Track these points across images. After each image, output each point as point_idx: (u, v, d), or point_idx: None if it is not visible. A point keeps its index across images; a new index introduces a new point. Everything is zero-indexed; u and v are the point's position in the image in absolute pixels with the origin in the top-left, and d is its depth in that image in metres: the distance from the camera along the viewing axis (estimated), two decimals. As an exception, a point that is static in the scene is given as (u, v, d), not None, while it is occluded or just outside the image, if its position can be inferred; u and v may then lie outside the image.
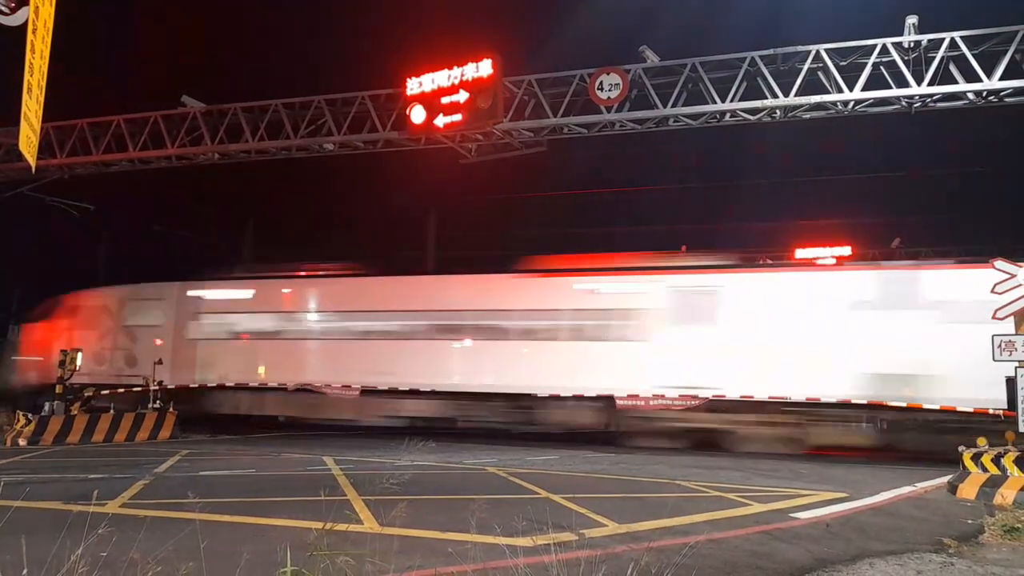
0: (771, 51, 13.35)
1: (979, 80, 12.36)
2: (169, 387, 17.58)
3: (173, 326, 19.41)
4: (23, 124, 8.46)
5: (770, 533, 6.95)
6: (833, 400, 13.97)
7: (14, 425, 14.65)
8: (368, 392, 17.29)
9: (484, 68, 13.86)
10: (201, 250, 29.23)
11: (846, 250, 22.88)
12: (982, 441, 9.78)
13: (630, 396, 15.26)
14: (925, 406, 13.38)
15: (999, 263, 10.03)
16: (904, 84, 12.80)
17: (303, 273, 19.49)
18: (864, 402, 13.83)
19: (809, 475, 11.39)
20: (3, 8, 6.59)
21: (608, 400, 15.47)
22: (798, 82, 13.26)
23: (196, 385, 18.76)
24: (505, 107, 14.38)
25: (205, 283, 19.90)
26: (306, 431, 18.22)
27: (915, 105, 13.13)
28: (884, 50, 12.86)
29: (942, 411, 13.23)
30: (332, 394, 17.59)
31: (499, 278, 17.31)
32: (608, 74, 13.97)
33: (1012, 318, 9.85)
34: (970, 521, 7.78)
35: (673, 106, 13.97)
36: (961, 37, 12.39)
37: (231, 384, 18.63)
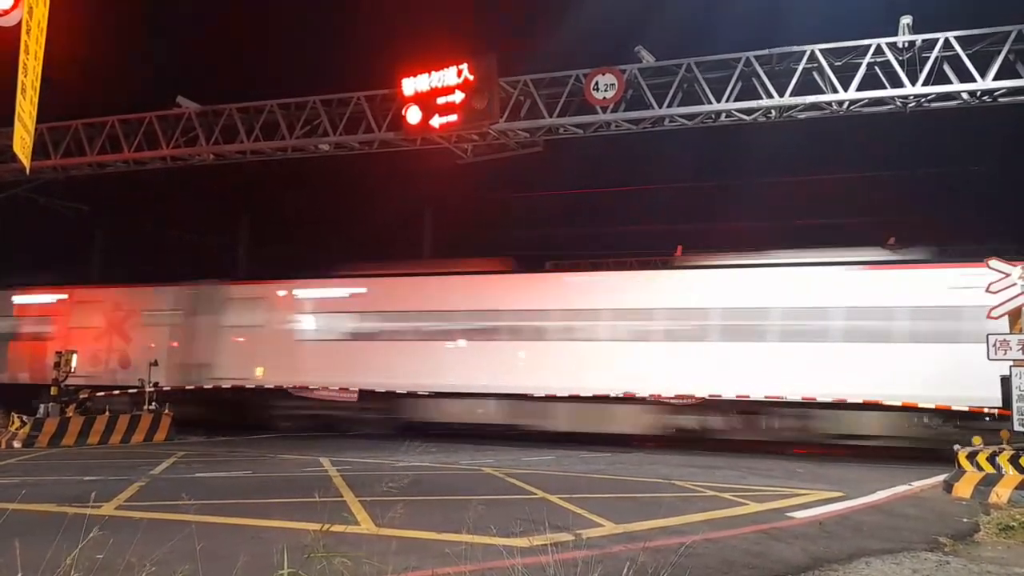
0: (766, 51, 13.36)
1: (973, 80, 12.40)
2: None
3: None
4: (17, 125, 8.43)
5: (766, 532, 6.96)
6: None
7: (9, 427, 14.61)
8: None
9: (480, 68, 13.85)
10: (196, 250, 29.13)
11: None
12: (977, 440, 9.80)
13: None
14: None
15: (993, 262, 10.04)
16: (899, 84, 12.81)
17: None
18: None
19: (805, 474, 11.43)
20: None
21: None
22: (793, 82, 13.27)
23: None
24: (501, 107, 14.38)
25: None
26: (302, 432, 18.19)
27: (909, 105, 13.16)
28: (879, 50, 12.88)
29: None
30: None
31: None
32: (604, 74, 13.95)
33: (1007, 317, 9.87)
34: (965, 520, 7.81)
35: (669, 106, 13.96)
36: (955, 37, 12.41)
37: None
